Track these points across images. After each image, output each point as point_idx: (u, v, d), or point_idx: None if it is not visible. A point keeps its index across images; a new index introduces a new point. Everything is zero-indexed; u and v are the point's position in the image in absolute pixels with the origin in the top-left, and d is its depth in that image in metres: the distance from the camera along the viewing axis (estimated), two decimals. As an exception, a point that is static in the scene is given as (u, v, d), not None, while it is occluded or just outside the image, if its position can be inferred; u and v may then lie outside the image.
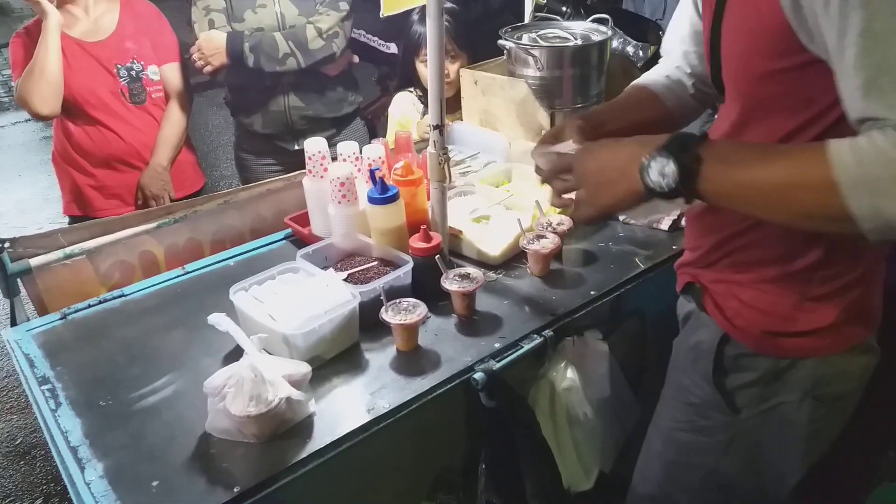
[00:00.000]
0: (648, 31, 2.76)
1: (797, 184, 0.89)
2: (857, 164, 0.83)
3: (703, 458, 1.32)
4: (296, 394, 1.25)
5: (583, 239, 1.82)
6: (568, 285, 1.67)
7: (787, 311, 1.15)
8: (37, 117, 2.40)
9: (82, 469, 1.23)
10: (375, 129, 3.00)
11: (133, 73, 2.42)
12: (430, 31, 1.44)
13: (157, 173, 2.48)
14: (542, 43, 2.08)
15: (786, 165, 0.90)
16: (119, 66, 2.39)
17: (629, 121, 1.37)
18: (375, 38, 3.27)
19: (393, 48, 3.21)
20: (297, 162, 2.43)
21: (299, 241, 1.89)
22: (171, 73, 2.51)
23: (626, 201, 1.04)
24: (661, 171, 0.95)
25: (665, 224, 1.84)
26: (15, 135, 6.51)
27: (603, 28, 2.14)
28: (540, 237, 1.68)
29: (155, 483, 1.19)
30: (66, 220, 2.61)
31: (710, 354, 1.23)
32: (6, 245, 1.68)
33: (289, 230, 1.94)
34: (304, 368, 1.31)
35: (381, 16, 1.51)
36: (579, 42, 2.08)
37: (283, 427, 1.27)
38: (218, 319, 1.30)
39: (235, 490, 1.17)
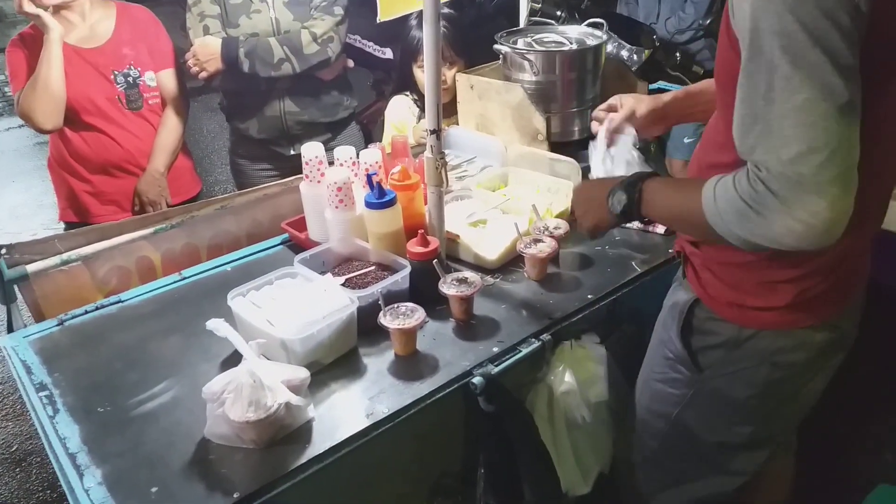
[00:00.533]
0: (642, 35, 2.78)
1: (688, 214, 1.17)
2: (714, 202, 1.08)
3: (668, 408, 1.48)
4: (295, 399, 1.25)
5: (579, 243, 1.82)
6: (565, 289, 1.67)
7: (749, 287, 1.28)
8: (40, 132, 2.39)
9: (81, 476, 1.23)
10: (371, 133, 3.00)
11: (130, 79, 2.41)
12: (427, 37, 1.44)
13: (155, 179, 2.48)
14: (538, 47, 2.09)
15: (683, 200, 1.19)
16: (116, 73, 2.39)
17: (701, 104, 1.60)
18: (371, 44, 3.27)
19: (388, 53, 3.21)
20: (292, 167, 2.43)
21: (296, 246, 1.89)
22: (168, 79, 2.50)
23: (604, 222, 1.41)
24: (619, 200, 1.29)
25: (661, 227, 1.84)
26: (8, 140, 6.49)
27: (598, 32, 2.15)
28: (537, 241, 1.68)
29: (154, 489, 1.19)
30: (61, 226, 2.60)
31: (681, 314, 1.39)
32: (3, 251, 1.68)
33: (286, 235, 1.94)
34: (303, 374, 1.31)
35: (377, 20, 1.51)
36: (574, 46, 2.09)
37: (282, 432, 1.27)
38: (217, 325, 1.30)
39: (235, 496, 1.17)
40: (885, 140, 1.13)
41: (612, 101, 1.75)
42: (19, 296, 1.72)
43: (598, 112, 1.78)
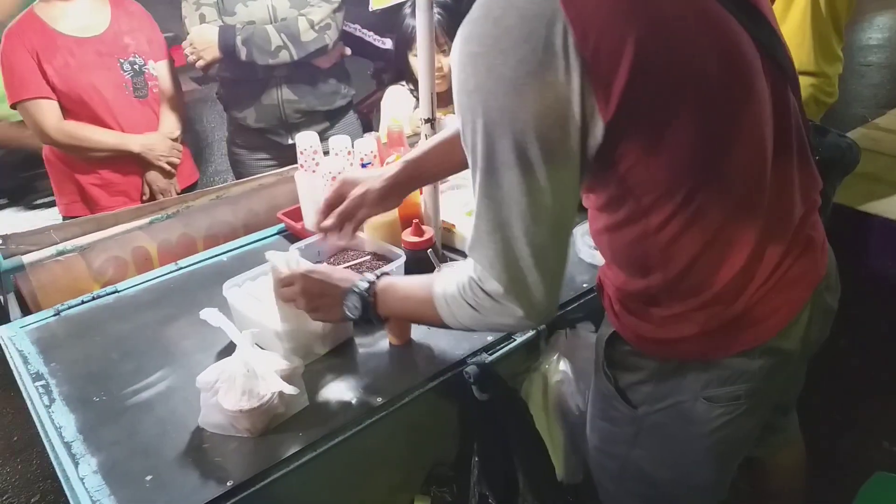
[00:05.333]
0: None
1: (425, 317, 1.22)
2: (448, 309, 1.14)
3: (617, 448, 1.35)
4: (288, 388, 1.25)
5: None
6: (561, 278, 1.67)
7: (657, 321, 1.17)
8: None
9: (76, 464, 1.24)
10: (370, 123, 2.99)
11: (136, 66, 2.41)
12: (420, 25, 1.44)
13: (163, 136, 2.48)
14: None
15: (415, 307, 1.23)
16: (122, 61, 2.38)
17: (450, 162, 1.45)
18: (371, 33, 3.25)
19: (388, 43, 3.19)
20: (290, 156, 2.40)
21: (292, 235, 1.89)
22: (164, 71, 2.50)
23: (335, 320, 1.36)
24: (354, 305, 1.27)
25: None
26: (8, 131, 6.47)
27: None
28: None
29: (149, 478, 1.20)
30: (59, 219, 2.59)
31: (602, 349, 1.28)
32: (-1, 242, 1.68)
33: (282, 225, 1.94)
34: (296, 362, 1.31)
35: (370, 10, 1.50)
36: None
37: (276, 421, 1.27)
38: (210, 314, 1.30)
39: (228, 484, 1.17)
40: (719, 162, 1.04)
41: (335, 192, 1.47)
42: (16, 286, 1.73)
43: (325, 223, 1.45)
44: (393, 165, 1.46)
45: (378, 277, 1.28)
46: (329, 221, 1.44)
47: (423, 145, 1.46)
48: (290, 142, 2.60)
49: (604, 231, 1.15)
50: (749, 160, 1.06)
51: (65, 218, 2.54)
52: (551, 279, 1.05)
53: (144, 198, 2.50)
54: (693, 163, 1.02)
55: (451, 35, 2.46)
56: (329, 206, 1.45)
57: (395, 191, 1.44)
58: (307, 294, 1.32)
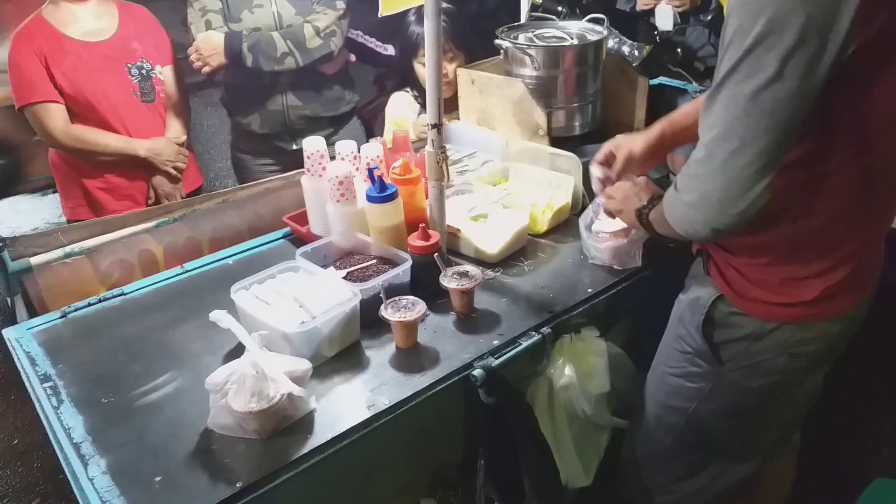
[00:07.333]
0: (643, 31, 2.79)
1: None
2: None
3: (685, 403, 1.51)
4: (297, 390, 1.26)
5: (579, 238, 1.83)
6: (565, 283, 1.68)
7: (773, 285, 1.32)
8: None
9: (85, 465, 1.24)
10: (373, 128, 3.01)
11: (144, 71, 2.42)
12: (428, 32, 1.45)
13: (170, 141, 2.49)
14: (539, 43, 2.10)
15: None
16: (130, 65, 2.40)
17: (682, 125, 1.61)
18: (373, 40, 3.28)
19: (390, 50, 3.22)
20: (294, 162, 2.43)
21: (298, 239, 1.90)
22: (170, 76, 2.52)
23: (628, 220, 1.55)
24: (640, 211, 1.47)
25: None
26: (9, 135, 6.47)
27: (599, 28, 2.16)
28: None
29: (158, 479, 1.20)
30: (62, 221, 2.59)
31: (704, 309, 1.41)
32: (6, 244, 1.68)
33: (287, 229, 1.95)
34: (305, 365, 1.32)
35: (379, 16, 1.52)
36: (575, 42, 2.09)
37: (285, 423, 1.28)
38: (219, 316, 1.31)
39: (237, 485, 1.18)
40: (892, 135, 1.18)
41: (607, 148, 1.68)
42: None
43: (595, 168, 1.71)
44: (655, 126, 1.63)
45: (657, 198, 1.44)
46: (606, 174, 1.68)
47: (680, 109, 1.65)
48: (295, 147, 2.62)
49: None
50: None
51: (69, 221, 2.55)
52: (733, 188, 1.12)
53: (150, 202, 2.51)
54: (889, 123, 1.15)
55: (455, 42, 2.48)
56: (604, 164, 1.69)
57: (656, 151, 1.63)
58: (618, 191, 1.57)
